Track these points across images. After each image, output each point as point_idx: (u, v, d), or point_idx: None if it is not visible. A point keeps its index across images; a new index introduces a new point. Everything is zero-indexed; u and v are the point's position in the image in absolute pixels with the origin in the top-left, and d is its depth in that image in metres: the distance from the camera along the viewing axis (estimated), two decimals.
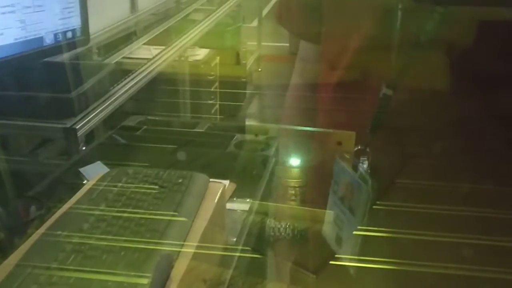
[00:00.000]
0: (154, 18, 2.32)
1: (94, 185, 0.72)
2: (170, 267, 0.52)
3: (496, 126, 0.54)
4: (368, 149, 0.56)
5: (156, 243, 0.56)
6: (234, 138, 1.01)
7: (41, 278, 0.53)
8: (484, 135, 0.55)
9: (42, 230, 0.62)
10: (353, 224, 0.53)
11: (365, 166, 0.56)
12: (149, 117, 1.13)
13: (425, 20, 0.51)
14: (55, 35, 0.89)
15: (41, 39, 0.86)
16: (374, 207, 0.55)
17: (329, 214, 0.58)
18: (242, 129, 1.02)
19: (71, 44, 0.95)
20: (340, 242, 0.56)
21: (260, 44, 3.79)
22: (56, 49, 0.90)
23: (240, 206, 0.79)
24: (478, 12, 0.52)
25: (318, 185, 0.71)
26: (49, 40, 0.87)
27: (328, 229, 0.58)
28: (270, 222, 0.67)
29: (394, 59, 0.55)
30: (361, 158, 0.56)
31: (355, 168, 0.54)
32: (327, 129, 0.66)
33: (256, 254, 0.61)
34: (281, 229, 0.65)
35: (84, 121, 1.24)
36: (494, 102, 0.53)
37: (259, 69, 3.67)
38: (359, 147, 0.57)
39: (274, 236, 0.65)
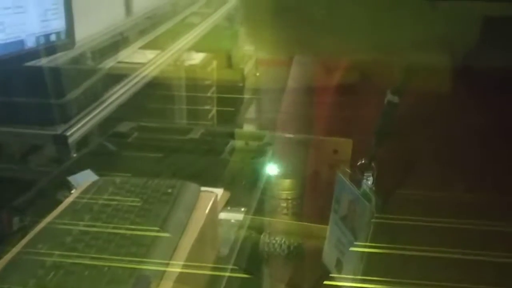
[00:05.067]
0: (150, 22, 2.29)
1: (79, 195, 0.69)
2: None
3: (508, 134, 0.51)
4: (373, 164, 0.52)
5: (140, 261, 0.53)
6: (229, 145, 0.98)
7: None
8: (496, 143, 0.51)
9: (20, 245, 0.59)
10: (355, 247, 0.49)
11: (370, 182, 0.51)
12: (142, 123, 1.11)
13: (430, 19, 0.47)
14: (37, 38, 0.85)
15: (21, 42, 0.83)
16: (373, 220, 0.51)
17: (326, 230, 0.54)
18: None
19: (56, 48, 0.91)
20: (341, 267, 0.51)
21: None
22: (38, 52, 0.86)
23: (234, 215, 0.76)
24: (484, 9, 0.48)
25: (312, 197, 0.67)
26: (30, 43, 0.84)
27: (328, 253, 0.54)
28: (265, 237, 0.63)
29: (397, 61, 0.51)
30: (365, 174, 0.52)
31: (358, 184, 0.50)
32: (321, 137, 0.62)
33: (246, 274, 0.57)
34: (276, 245, 0.61)
35: (75, 128, 1.21)
36: (507, 109, 0.50)
37: (257, 73, 3.63)
38: (363, 161, 0.53)
39: (268, 252, 0.62)
